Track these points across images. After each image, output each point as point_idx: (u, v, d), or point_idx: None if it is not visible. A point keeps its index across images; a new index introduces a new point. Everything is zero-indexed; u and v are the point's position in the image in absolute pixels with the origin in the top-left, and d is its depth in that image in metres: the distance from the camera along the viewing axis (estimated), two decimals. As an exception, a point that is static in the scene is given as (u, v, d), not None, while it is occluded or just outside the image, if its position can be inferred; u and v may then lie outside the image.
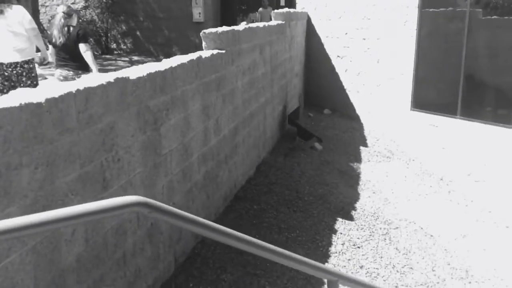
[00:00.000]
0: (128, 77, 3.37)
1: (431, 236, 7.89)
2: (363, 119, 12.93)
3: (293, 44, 11.48)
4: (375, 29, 12.18)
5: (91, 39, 13.52)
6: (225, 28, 6.00)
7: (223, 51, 5.72)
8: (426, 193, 9.83)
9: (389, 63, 11.97)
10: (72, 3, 17.58)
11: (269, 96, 8.48)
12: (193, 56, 4.81)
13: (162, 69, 3.95)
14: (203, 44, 5.70)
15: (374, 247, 6.40)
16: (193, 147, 4.80)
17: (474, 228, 8.92)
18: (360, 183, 8.99)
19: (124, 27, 18.37)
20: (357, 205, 7.80)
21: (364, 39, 12.55)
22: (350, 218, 7.09)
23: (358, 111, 13.00)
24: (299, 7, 14.22)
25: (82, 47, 6.28)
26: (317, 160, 9.33)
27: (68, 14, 6.38)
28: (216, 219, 5.72)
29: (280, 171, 8.05)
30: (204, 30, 5.71)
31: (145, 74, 3.60)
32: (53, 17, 7.37)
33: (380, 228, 7.19)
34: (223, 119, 5.77)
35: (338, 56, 13.32)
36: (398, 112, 11.93)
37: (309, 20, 14.06)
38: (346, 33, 13.00)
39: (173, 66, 4.17)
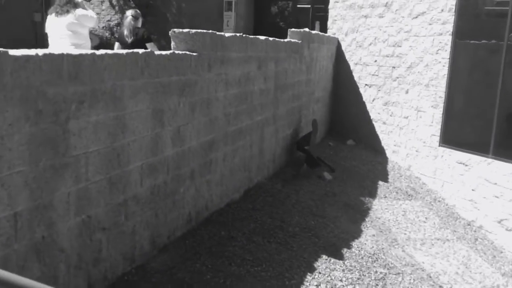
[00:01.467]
0: (7, 52, 2.74)
1: (440, 287, 6.79)
2: (388, 153, 11.93)
3: (314, 68, 10.77)
4: (406, 57, 11.31)
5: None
6: (203, 30, 5.38)
7: (195, 54, 5.08)
8: (447, 238, 8.70)
9: (419, 94, 11.02)
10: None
11: (270, 116, 7.76)
12: (140, 50, 4.18)
13: (75, 53, 3.31)
14: (172, 44, 5.09)
15: (358, 292, 5.45)
16: (131, 154, 4.12)
17: (498, 282, 7.72)
18: (367, 219, 8.02)
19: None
20: (355, 243, 6.85)
21: (394, 67, 11.68)
22: (339, 256, 6.16)
23: (383, 144, 12.02)
24: (330, 33, 13.55)
25: (149, 46, 7.10)
26: (321, 190, 8.45)
27: (135, 17, 7.34)
28: (170, 242, 4.99)
29: (272, 197, 7.24)
30: (174, 29, 5.10)
31: (40, 54, 2.97)
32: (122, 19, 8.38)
33: (376, 272, 6.21)
34: (189, 129, 5.08)
35: (366, 85, 12.47)
36: (426, 148, 10.90)
37: (339, 47, 13.35)
38: (375, 61, 12.17)
39: (98, 53, 3.53)
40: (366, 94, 12.56)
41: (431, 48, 10.74)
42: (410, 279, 6.52)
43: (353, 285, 5.54)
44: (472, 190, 9.94)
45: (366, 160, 11.45)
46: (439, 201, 10.55)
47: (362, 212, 8.23)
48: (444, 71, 10.48)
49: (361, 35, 12.56)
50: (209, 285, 4.42)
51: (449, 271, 7.42)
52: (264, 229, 6.02)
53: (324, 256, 5.92)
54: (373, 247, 7.00)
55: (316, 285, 5.17)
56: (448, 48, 10.37)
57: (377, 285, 5.84)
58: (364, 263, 6.29)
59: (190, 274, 4.48)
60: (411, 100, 11.33)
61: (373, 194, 9.43)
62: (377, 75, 12.22)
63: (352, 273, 5.83)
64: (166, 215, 4.87)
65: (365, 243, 7.05)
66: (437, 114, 10.69)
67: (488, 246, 9.39)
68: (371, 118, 12.42)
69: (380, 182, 10.26)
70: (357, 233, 7.29)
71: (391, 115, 11.88)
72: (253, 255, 5.27)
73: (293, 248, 5.82)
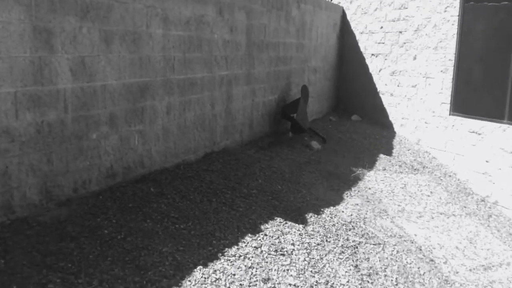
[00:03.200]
0: None
1: (431, 260, 5.74)
2: (396, 127, 10.80)
3: (309, 33, 9.81)
4: (413, 20, 10.21)
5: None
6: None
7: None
8: (453, 213, 7.57)
9: (427, 59, 9.90)
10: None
11: (242, 74, 6.87)
12: None
13: None
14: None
15: (313, 258, 4.48)
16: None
17: (509, 260, 6.56)
18: (354, 189, 7.00)
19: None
20: (328, 210, 5.87)
21: (401, 32, 10.56)
22: (301, 221, 5.20)
23: (391, 118, 10.90)
24: (335, 1, 12.52)
25: None
26: (304, 158, 7.49)
27: None
28: (78, 196, 4.17)
29: (237, 161, 6.35)
30: None
31: None
32: None
33: (347, 240, 5.23)
34: (101, 63, 4.26)
35: (372, 55, 11.39)
36: (435, 118, 9.75)
37: (344, 16, 12.30)
38: (381, 27, 11.08)
39: None
40: (373, 65, 11.47)
41: (439, 6, 9.59)
42: (393, 250, 5.50)
43: (308, 250, 4.58)
44: (486, 161, 8.74)
45: (370, 134, 10.37)
46: (449, 176, 9.38)
47: (349, 182, 7.21)
48: (453, 30, 9.31)
49: (366, 0, 11.48)
50: (103, 239, 3.57)
51: (447, 246, 6.32)
52: (210, 189, 5.14)
53: (279, 219, 4.98)
54: (351, 215, 6.00)
55: (255, 247, 4.24)
56: (457, 4, 9.19)
57: (343, 252, 4.85)
58: (334, 230, 5.31)
59: (80, 228, 3.63)
60: (419, 66, 10.19)
61: (369, 166, 8.38)
62: (383, 43, 11.12)
63: (311, 238, 4.87)
64: (67, 162, 4.05)
65: (343, 211, 6.05)
66: (447, 79, 9.52)
67: (504, 223, 8.18)
68: (378, 90, 11.32)
69: (381, 155, 9.18)
70: (335, 201, 6.30)
71: (398, 86, 10.76)
72: (180, 213, 4.39)
73: (239, 209, 4.91)
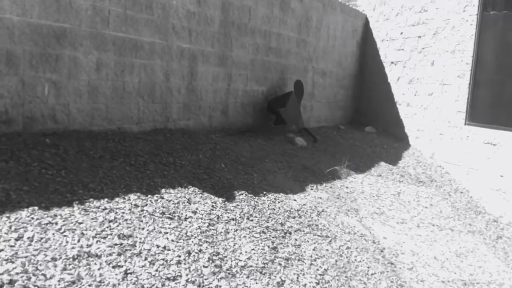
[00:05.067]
0: None
1: (391, 264, 4.83)
2: (411, 140, 9.85)
3: (314, 31, 9.23)
4: (432, 23, 9.40)
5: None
6: None
7: None
8: (452, 227, 6.57)
9: (444, 64, 9.00)
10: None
11: (213, 54, 6.36)
12: None
13: None
14: None
15: (213, 229, 3.77)
16: None
17: (499, 281, 5.53)
18: (325, 184, 6.19)
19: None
20: (276, 195, 5.13)
21: (420, 36, 9.73)
22: (226, 197, 4.51)
23: (407, 130, 9.96)
24: (360, 9, 11.87)
25: None
26: (279, 150, 6.78)
27: None
28: None
29: (189, 139, 5.76)
30: None
31: None
32: None
33: (281, 224, 4.48)
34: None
35: (392, 63, 10.57)
36: (450, 129, 8.78)
37: (367, 24, 11.60)
38: (401, 33, 10.29)
39: None
40: (392, 74, 10.63)
41: (458, 5, 8.74)
42: (342, 246, 4.66)
43: (213, 222, 3.87)
44: (501, 176, 7.63)
45: (378, 144, 9.46)
46: (461, 192, 8.29)
47: (323, 177, 6.40)
48: (472, 30, 8.39)
49: (388, 6, 10.75)
50: None
51: (423, 254, 5.35)
52: (124, 152, 4.57)
53: (195, 189, 4.30)
54: (305, 205, 5.21)
55: (135, 205, 3.60)
56: (476, 2, 8.31)
57: (263, 232, 4.09)
58: (268, 213, 4.56)
59: None
60: (436, 73, 9.28)
61: (361, 169, 7.51)
62: (402, 49, 10.30)
63: (227, 212, 4.16)
64: None
65: (295, 200, 5.28)
66: (464, 85, 8.55)
67: (514, 246, 7.00)
68: (395, 100, 10.43)
69: (382, 163, 8.27)
70: (292, 190, 5.53)
71: (415, 95, 9.84)
72: (60, 163, 3.84)
73: (147, 171, 4.30)
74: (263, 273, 3.52)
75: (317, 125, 9.89)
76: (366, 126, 10.88)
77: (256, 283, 3.37)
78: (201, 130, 6.38)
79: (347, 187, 6.46)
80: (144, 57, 5.43)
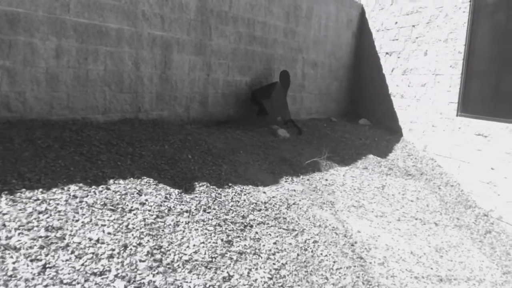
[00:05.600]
0: None
1: (360, 258, 4.63)
2: (404, 132, 9.59)
3: (304, 20, 9.00)
4: (426, 11, 9.13)
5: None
6: None
7: None
8: (436, 221, 6.35)
9: (437, 53, 8.73)
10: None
11: (189, 42, 6.18)
12: None
13: None
14: None
15: (160, 221, 3.60)
16: None
17: (480, 277, 5.31)
18: (302, 177, 5.99)
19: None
20: (243, 187, 4.94)
21: (414, 26, 9.45)
22: (185, 188, 4.33)
23: (400, 122, 9.70)
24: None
25: None
26: (257, 142, 6.58)
27: None
28: None
29: (161, 130, 5.58)
30: None
31: None
32: None
33: (243, 217, 4.30)
34: None
35: (386, 53, 10.30)
36: (442, 120, 8.51)
37: (363, 14, 11.33)
38: (396, 22, 10.01)
39: None
40: (386, 65, 10.35)
41: (452, -8, 8.44)
42: (308, 239, 4.46)
43: (162, 214, 3.70)
44: (492, 169, 7.36)
45: (369, 136, 9.22)
46: (451, 185, 8.03)
47: (302, 170, 6.20)
48: (464, 18, 8.10)
49: (383, -5, 10.49)
50: None
51: (398, 248, 5.14)
52: (78, 141, 4.40)
53: (149, 180, 4.13)
54: (274, 197, 5.02)
55: (74, 196, 3.43)
56: (469, -11, 8.02)
57: (219, 225, 3.91)
58: (230, 205, 4.38)
59: None
60: (429, 63, 9.00)
61: (345, 162, 7.29)
62: (397, 39, 10.02)
63: (181, 204, 3.99)
64: None
65: (265, 192, 5.09)
66: (456, 75, 8.27)
67: (504, 241, 6.76)
68: (390, 92, 10.16)
69: (371, 156, 8.03)
70: (263, 182, 5.33)
71: (409, 86, 9.57)
72: None
73: (98, 162, 4.13)
74: (208, 267, 3.34)
75: (308, 117, 9.67)
76: (361, 118, 10.63)
77: (198, 278, 3.19)
78: (177, 121, 6.20)
79: (326, 180, 6.25)
80: (110, 44, 5.25)
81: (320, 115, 10.12)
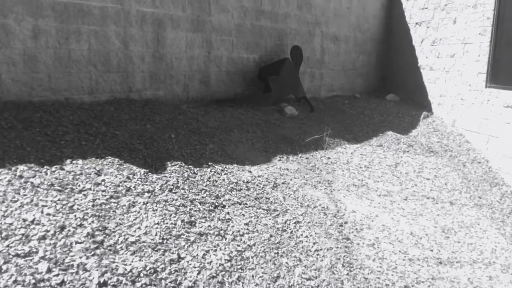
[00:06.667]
0: None
1: (346, 239, 4.35)
2: (434, 107, 9.04)
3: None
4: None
5: None
6: None
7: None
8: (452, 201, 5.91)
9: (466, 21, 8.10)
10: None
11: (184, 17, 6.03)
12: None
13: None
14: None
15: (113, 203, 3.47)
16: None
17: (490, 260, 4.89)
18: (300, 155, 5.72)
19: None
20: (225, 167, 4.74)
21: (442, -8, 8.81)
22: (155, 167, 4.19)
23: (430, 97, 9.15)
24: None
25: None
26: (258, 120, 6.35)
27: None
28: None
29: (150, 110, 5.47)
30: None
31: None
32: None
33: (216, 197, 4.11)
34: None
35: (416, 24, 9.70)
36: (471, 92, 7.93)
37: (393, -15, 10.72)
38: (425, -10, 9.38)
39: None
40: (416, 36, 9.76)
41: (479, -48, 7.76)
42: (290, 220, 4.23)
43: (117, 194, 3.57)
44: (521, 143, 6.76)
45: (393, 112, 8.74)
46: (479, 162, 7.47)
47: (302, 148, 5.91)
48: (493, -19, 7.43)
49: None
50: None
51: (396, 229, 4.79)
52: (46, 121, 4.33)
53: (113, 159, 4.01)
54: (260, 176, 4.79)
55: (19, 176, 3.35)
56: None
57: (184, 206, 3.75)
58: (204, 185, 4.20)
59: None
60: (458, 31, 8.37)
61: (357, 139, 6.92)
62: (426, 8, 9.39)
63: (144, 184, 3.84)
64: None
65: (250, 171, 4.87)
66: (485, 43, 7.63)
67: (529, 222, 6.19)
68: (419, 65, 9.58)
69: (390, 133, 7.60)
70: (252, 162, 5.11)
71: (438, 57, 8.97)
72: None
73: (61, 142, 4.04)
74: (156, 249, 3.18)
75: (330, 94, 9.29)
76: (389, 94, 10.11)
77: (141, 260, 3.03)
78: (174, 101, 6.06)
79: (328, 158, 5.93)
80: (93, 23, 5.15)
81: (344, 91, 9.70)
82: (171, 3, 5.91)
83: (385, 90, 10.55)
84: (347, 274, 3.79)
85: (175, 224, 3.53)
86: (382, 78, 10.71)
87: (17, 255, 2.67)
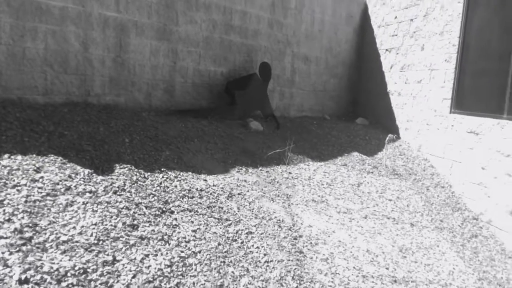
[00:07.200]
0: None
1: (299, 253, 4.19)
2: (401, 132, 9.05)
3: (293, 12, 8.65)
4: (423, 4, 8.60)
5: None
6: None
7: None
8: (413, 222, 5.83)
9: (433, 47, 8.20)
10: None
11: (150, 25, 5.91)
12: None
13: None
14: None
15: (48, 200, 3.27)
16: None
17: (445, 281, 4.78)
18: (261, 169, 5.58)
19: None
20: (179, 174, 4.57)
21: (412, 20, 8.94)
22: (102, 170, 4.00)
23: (398, 122, 9.17)
24: (357, -4, 11.14)
25: None
26: (221, 132, 6.21)
27: None
28: None
29: (106, 115, 5.29)
30: None
31: None
32: None
33: (165, 203, 3.93)
34: None
35: (386, 50, 9.80)
36: (436, 118, 7.98)
37: (365, 10, 10.86)
38: (395, 17, 9.52)
39: None
40: (386, 62, 9.84)
41: (447, -19, 7.91)
42: (242, 230, 4.06)
43: (54, 192, 3.36)
44: (482, 168, 6.76)
45: (360, 135, 8.71)
46: (442, 187, 7.44)
47: (263, 162, 5.78)
48: (460, 9, 7.56)
49: (383, -11, 10.02)
50: None
51: (352, 246, 4.65)
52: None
53: (54, 158, 3.81)
54: (215, 186, 4.62)
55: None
56: (465, -24, 7.48)
57: (128, 208, 3.55)
58: (154, 190, 4.02)
59: None
60: (425, 58, 8.46)
61: (321, 158, 6.83)
62: (396, 35, 9.51)
63: (87, 185, 3.63)
64: None
65: (205, 180, 4.70)
66: (450, 70, 7.71)
67: (490, 246, 6.15)
68: (388, 90, 9.64)
69: (356, 153, 7.54)
70: (209, 171, 4.95)
71: (406, 82, 9.04)
72: None
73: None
74: (89, 250, 2.97)
75: (299, 114, 9.24)
76: (359, 118, 10.12)
77: (70, 259, 2.82)
78: (136, 109, 5.90)
79: (289, 173, 5.81)
80: (52, 22, 4.99)
81: (314, 113, 9.66)
82: (137, 9, 5.81)
83: (355, 114, 10.57)
84: (296, 287, 3.63)
85: (115, 226, 3.34)
86: (352, 102, 10.74)
87: None
